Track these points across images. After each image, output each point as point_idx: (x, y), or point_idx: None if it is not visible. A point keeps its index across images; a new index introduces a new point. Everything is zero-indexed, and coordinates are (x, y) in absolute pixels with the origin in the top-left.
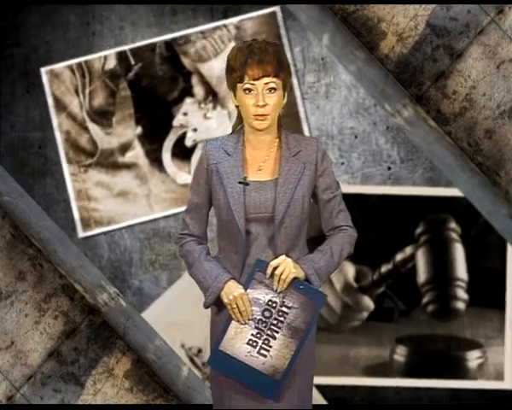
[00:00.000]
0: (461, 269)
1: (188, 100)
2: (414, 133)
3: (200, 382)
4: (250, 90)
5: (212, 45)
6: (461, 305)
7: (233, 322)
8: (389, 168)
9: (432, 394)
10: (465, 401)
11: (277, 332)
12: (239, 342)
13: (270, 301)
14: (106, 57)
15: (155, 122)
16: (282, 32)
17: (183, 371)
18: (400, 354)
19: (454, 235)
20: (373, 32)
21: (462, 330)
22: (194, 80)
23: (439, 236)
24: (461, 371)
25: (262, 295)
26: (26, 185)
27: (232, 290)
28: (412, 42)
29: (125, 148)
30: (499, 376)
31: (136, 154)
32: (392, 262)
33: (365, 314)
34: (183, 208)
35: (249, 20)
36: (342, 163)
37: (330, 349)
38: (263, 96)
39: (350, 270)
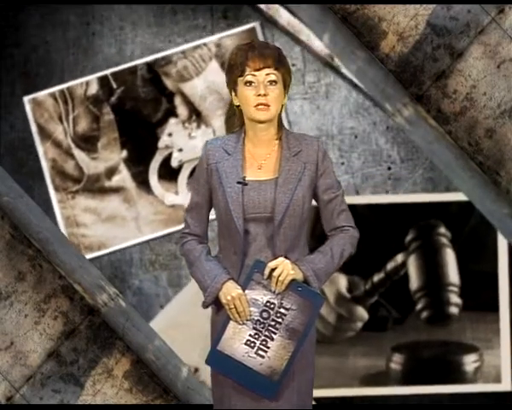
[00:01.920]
0: (453, 274)
1: (172, 120)
2: (414, 133)
3: (200, 383)
4: (251, 82)
5: (193, 64)
6: (454, 310)
7: (231, 322)
8: (389, 168)
9: (430, 400)
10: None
11: (275, 333)
12: (237, 342)
13: (268, 302)
14: (87, 83)
15: (140, 144)
16: None
17: (182, 371)
18: (396, 362)
19: (444, 240)
20: (373, 32)
21: (457, 335)
22: (178, 100)
23: (430, 242)
24: (458, 376)
25: (260, 296)
26: (25, 186)
27: (230, 291)
28: (413, 41)
29: (111, 172)
30: (497, 378)
31: (123, 177)
32: (383, 271)
33: (360, 324)
34: (172, 229)
35: (229, 38)
36: (342, 163)
37: (326, 361)
38: (264, 87)
39: (342, 281)
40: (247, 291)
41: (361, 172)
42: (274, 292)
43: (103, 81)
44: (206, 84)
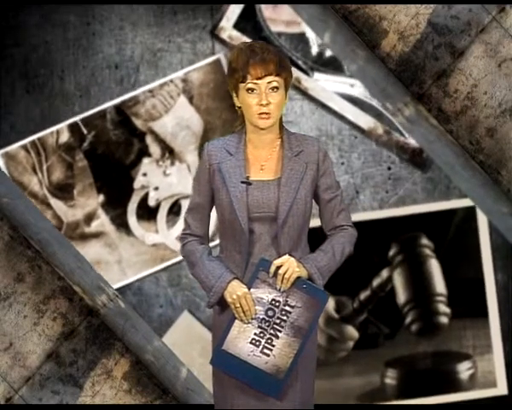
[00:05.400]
0: (439, 284)
1: (145, 160)
2: (415, 132)
3: (199, 383)
4: (253, 89)
5: (161, 102)
6: (444, 319)
7: (236, 321)
8: (389, 168)
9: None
10: None
11: (280, 331)
12: (242, 341)
13: (273, 300)
14: (58, 131)
15: (116, 187)
16: None
17: (181, 372)
18: (391, 377)
19: (427, 251)
20: (374, 31)
21: (448, 344)
22: (149, 140)
23: (413, 254)
24: (454, 385)
25: (265, 294)
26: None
27: (236, 290)
28: (414, 40)
29: (89, 218)
30: (492, 383)
31: (102, 222)
32: (370, 288)
33: (351, 344)
34: (155, 268)
35: (195, 72)
36: (342, 163)
37: (320, 384)
38: (266, 95)
39: (330, 302)
40: (252, 290)
41: (361, 172)
42: (279, 290)
43: (74, 128)
44: (176, 120)
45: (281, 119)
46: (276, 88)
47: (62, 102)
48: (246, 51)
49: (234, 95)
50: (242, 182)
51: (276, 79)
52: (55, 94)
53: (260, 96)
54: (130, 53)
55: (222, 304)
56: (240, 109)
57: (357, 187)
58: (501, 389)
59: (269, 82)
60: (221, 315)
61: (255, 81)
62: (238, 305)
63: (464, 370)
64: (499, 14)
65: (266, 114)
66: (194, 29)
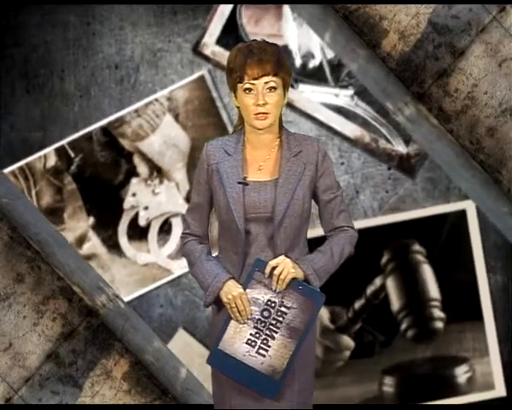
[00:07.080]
0: (433, 289)
1: (134, 180)
2: (415, 131)
3: (199, 384)
4: (250, 89)
5: (147, 121)
6: (439, 324)
7: (232, 321)
8: (389, 168)
9: None
10: None
11: (276, 332)
12: (238, 341)
13: (269, 300)
14: (45, 156)
15: (106, 209)
16: (214, 94)
17: (181, 373)
18: (389, 384)
19: (420, 257)
20: (375, 31)
21: (445, 349)
22: (137, 160)
23: (406, 261)
24: (452, 389)
25: (261, 294)
26: None
27: (231, 290)
28: (414, 40)
29: (81, 241)
30: (490, 385)
31: (93, 244)
32: (363, 296)
33: (347, 353)
34: (149, 288)
35: (180, 89)
36: (342, 163)
37: (318, 394)
38: (263, 96)
39: (324, 313)
40: (247, 290)
41: (361, 172)
42: (275, 291)
43: (61, 152)
44: (162, 139)
45: (280, 119)
46: (274, 88)
47: (62, 102)
48: (243, 51)
49: (232, 95)
50: (239, 183)
51: (274, 79)
52: (55, 94)
53: (257, 97)
54: (130, 53)
55: (219, 304)
56: (239, 109)
57: (357, 187)
58: (499, 391)
59: (266, 82)
60: (219, 314)
61: (252, 81)
62: (233, 305)
63: (462, 373)
64: (499, 13)
65: (263, 114)
66: (194, 29)
